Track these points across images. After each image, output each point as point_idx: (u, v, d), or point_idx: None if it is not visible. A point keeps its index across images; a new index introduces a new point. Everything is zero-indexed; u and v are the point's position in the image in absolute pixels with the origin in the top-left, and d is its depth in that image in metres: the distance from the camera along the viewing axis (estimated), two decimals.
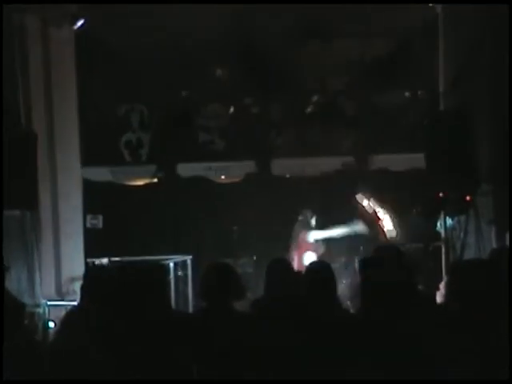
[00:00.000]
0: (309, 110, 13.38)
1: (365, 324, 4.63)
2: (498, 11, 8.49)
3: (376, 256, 5.68)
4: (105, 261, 9.78)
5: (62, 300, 9.78)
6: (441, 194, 8.83)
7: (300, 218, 11.21)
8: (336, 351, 4.66)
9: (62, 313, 8.41)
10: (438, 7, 10.05)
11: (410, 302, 4.65)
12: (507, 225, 8.42)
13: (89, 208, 11.55)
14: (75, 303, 5.81)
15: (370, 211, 11.42)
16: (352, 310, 5.80)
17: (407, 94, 13.22)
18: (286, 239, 11.24)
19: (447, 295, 4.68)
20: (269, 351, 4.78)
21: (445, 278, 8.32)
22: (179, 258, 11.16)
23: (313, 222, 11.13)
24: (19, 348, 4.49)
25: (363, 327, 4.62)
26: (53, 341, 5.20)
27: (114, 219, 12.33)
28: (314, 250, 10.86)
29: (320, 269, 5.53)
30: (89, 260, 10.14)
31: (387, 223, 11.32)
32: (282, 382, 4.72)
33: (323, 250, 10.91)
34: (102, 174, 12.91)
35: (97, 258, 10.13)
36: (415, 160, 10.67)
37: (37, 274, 9.67)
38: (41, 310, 9.36)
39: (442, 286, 7.61)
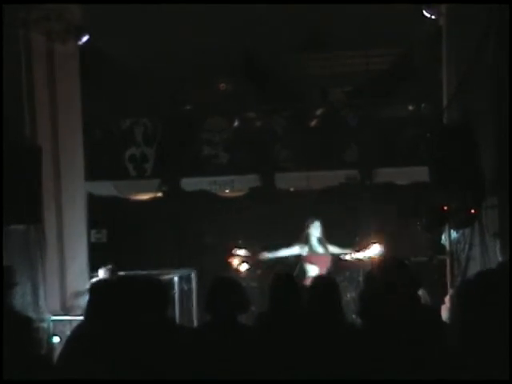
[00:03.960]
0: (312, 123, 13.40)
1: (369, 337, 4.63)
2: (501, 20, 8.46)
3: (381, 269, 5.66)
4: (104, 271, 9.77)
5: (67, 315, 9.75)
6: (445, 207, 8.80)
7: (307, 230, 10.73)
8: (340, 364, 4.65)
9: (67, 328, 8.45)
10: (441, 20, 10.05)
11: (414, 315, 4.64)
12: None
13: (93, 222, 11.55)
14: (80, 318, 5.80)
15: None
16: (357, 324, 5.78)
17: (410, 106, 13.22)
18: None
19: (452, 309, 4.66)
20: (273, 364, 4.77)
21: (450, 292, 8.31)
22: (184, 271, 11.15)
23: (318, 233, 10.83)
24: (25, 363, 4.49)
25: (367, 340, 4.62)
26: (58, 356, 5.19)
27: (119, 233, 12.33)
28: (320, 263, 10.64)
29: (325, 282, 5.53)
30: (93, 274, 10.12)
31: None
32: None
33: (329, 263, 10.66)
34: (106, 188, 12.93)
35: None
36: (419, 173, 10.65)
37: (41, 289, 9.63)
38: (45, 325, 9.34)
39: (446, 299, 7.60)
